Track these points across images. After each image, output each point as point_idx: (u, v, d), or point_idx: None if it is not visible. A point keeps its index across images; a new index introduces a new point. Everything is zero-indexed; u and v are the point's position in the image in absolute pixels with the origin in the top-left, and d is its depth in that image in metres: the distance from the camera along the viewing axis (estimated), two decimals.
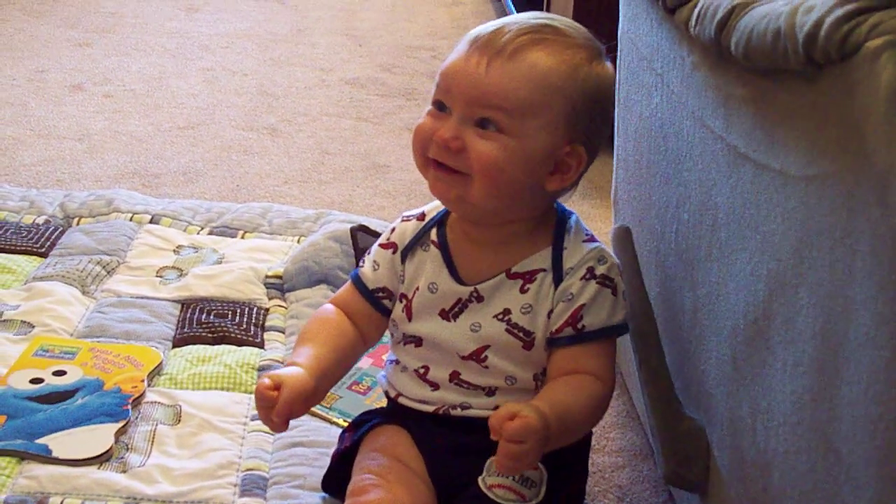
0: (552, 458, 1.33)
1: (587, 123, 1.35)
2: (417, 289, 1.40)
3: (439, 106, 1.34)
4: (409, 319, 1.41)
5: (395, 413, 1.45)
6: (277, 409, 1.32)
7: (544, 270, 1.36)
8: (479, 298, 1.37)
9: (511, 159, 1.31)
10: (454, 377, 1.39)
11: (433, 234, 1.42)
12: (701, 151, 1.27)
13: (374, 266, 1.45)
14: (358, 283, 1.46)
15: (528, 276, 1.36)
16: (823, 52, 0.90)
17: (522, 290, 1.36)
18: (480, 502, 1.33)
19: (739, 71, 1.12)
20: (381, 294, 1.44)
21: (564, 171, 1.35)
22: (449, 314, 1.38)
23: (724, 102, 1.19)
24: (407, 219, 1.46)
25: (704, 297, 1.28)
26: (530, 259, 1.37)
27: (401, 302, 1.42)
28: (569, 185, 1.37)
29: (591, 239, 1.39)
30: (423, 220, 1.44)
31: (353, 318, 1.46)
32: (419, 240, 1.43)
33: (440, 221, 1.43)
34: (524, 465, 1.25)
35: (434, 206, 1.44)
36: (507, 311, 1.36)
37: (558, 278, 1.35)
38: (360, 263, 1.48)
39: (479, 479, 1.34)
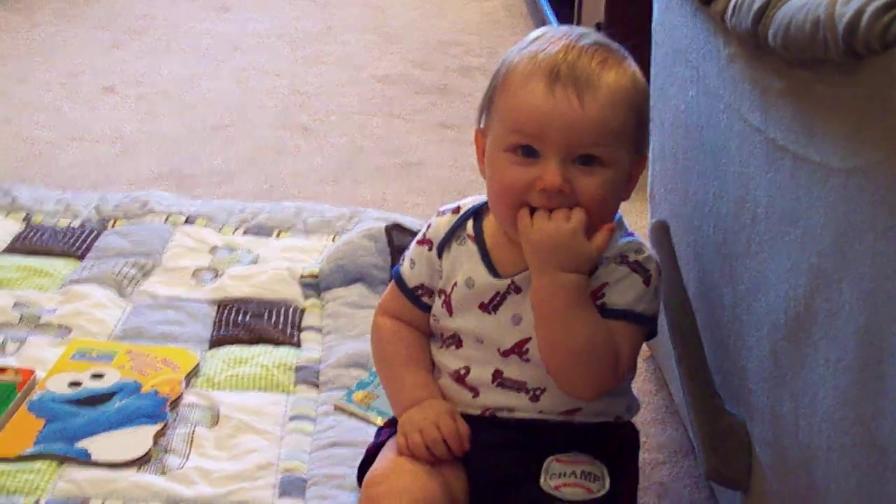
0: (607, 457, 1.34)
1: (645, 130, 1.36)
2: (455, 284, 1.40)
3: (527, 151, 1.30)
4: (450, 314, 1.40)
5: None
6: (465, 437, 1.37)
7: None
8: (517, 290, 1.36)
9: (613, 189, 1.31)
10: (497, 377, 1.38)
11: (469, 227, 1.41)
12: (739, 145, 1.26)
13: (412, 264, 1.44)
14: (399, 281, 1.46)
15: None
16: (864, 42, 0.89)
17: None
18: (544, 503, 1.32)
19: (777, 63, 1.11)
20: (420, 291, 1.44)
21: (631, 181, 1.36)
22: (489, 307, 1.37)
23: (761, 95, 1.17)
24: (442, 213, 1.45)
25: (744, 292, 1.27)
26: None
27: (440, 297, 1.42)
28: (630, 194, 1.38)
29: (631, 234, 1.39)
30: (458, 213, 1.43)
31: (408, 322, 1.46)
32: (454, 233, 1.42)
33: (476, 214, 1.42)
34: (560, 237, 1.28)
35: (470, 200, 1.44)
36: None
37: (593, 267, 1.35)
38: (401, 261, 1.47)
39: (542, 482, 1.33)
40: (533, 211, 1.30)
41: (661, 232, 1.53)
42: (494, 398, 1.38)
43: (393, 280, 1.48)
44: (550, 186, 1.27)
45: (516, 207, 1.31)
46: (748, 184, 1.23)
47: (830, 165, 1.00)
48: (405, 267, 1.45)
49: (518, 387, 1.37)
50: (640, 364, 1.82)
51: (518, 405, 1.37)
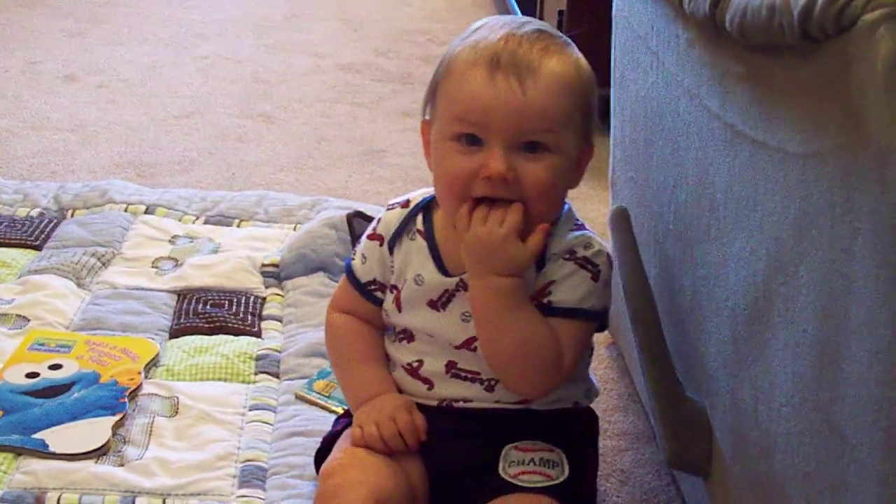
0: (566, 443, 1.35)
1: (591, 117, 1.35)
2: (405, 280, 1.39)
3: (470, 140, 1.29)
4: (399, 311, 1.40)
5: None
6: (422, 429, 1.37)
7: None
8: (466, 287, 1.35)
9: (560, 176, 1.30)
10: (450, 367, 1.37)
11: (419, 221, 1.40)
12: (698, 130, 1.26)
13: (363, 259, 1.43)
14: (351, 275, 1.45)
15: None
16: (819, 26, 0.88)
17: None
18: (505, 492, 1.32)
19: (735, 48, 1.11)
20: (372, 287, 1.43)
21: (579, 169, 1.35)
22: (437, 304, 1.36)
23: (720, 80, 1.17)
24: (391, 207, 1.43)
25: (704, 277, 1.27)
26: None
27: (391, 292, 1.41)
28: (579, 182, 1.37)
29: (581, 227, 1.37)
30: (407, 207, 1.42)
31: (361, 317, 1.45)
32: (405, 228, 1.40)
33: (426, 208, 1.40)
34: (493, 242, 1.27)
35: (420, 193, 1.42)
36: None
37: (540, 264, 1.34)
38: (352, 254, 1.46)
39: (500, 471, 1.33)
40: (478, 203, 1.29)
41: (622, 218, 1.52)
42: (449, 389, 1.38)
43: (344, 274, 1.47)
44: (494, 173, 1.26)
45: (461, 199, 1.30)
46: (707, 169, 1.23)
47: (788, 150, 1.00)
48: (357, 262, 1.44)
49: (472, 377, 1.36)
50: (602, 351, 1.82)
51: (473, 395, 1.37)
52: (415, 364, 1.39)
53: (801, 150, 0.97)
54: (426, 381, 1.39)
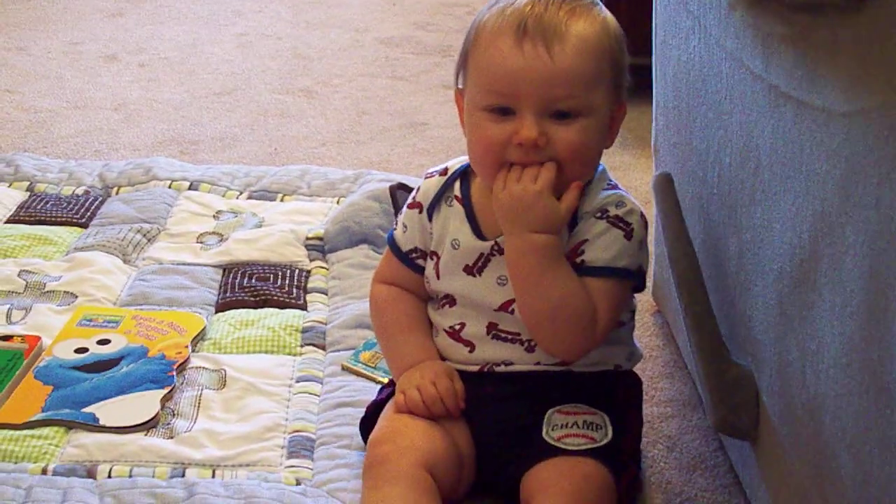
0: (608, 406, 1.36)
1: (622, 76, 1.35)
2: (444, 246, 1.40)
3: (502, 111, 1.30)
4: (438, 277, 1.41)
5: None
6: (461, 396, 1.38)
7: None
8: (501, 251, 1.35)
9: (592, 137, 1.31)
10: (491, 329, 1.38)
11: (456, 188, 1.41)
12: (741, 93, 1.25)
13: (404, 228, 1.45)
14: (393, 245, 1.46)
15: None
16: None
17: None
18: (549, 456, 1.32)
19: (778, 8, 1.10)
20: (414, 255, 1.44)
21: (613, 128, 1.36)
22: (473, 269, 1.38)
23: (763, 42, 1.16)
24: (430, 175, 1.45)
25: (749, 241, 1.26)
26: None
27: (432, 259, 1.42)
28: (614, 141, 1.38)
29: (614, 187, 1.38)
30: (445, 174, 1.43)
31: (405, 287, 1.46)
32: (443, 195, 1.42)
33: (463, 175, 1.41)
34: (527, 198, 1.29)
35: (458, 161, 1.43)
36: None
37: (573, 223, 1.34)
38: (394, 225, 1.47)
39: (544, 434, 1.34)
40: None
41: (665, 184, 1.52)
42: (491, 351, 1.39)
43: (387, 245, 1.48)
44: (526, 140, 1.28)
45: (497, 166, 1.31)
46: (751, 132, 1.22)
47: (833, 110, 0.99)
48: (398, 231, 1.46)
49: (513, 338, 1.37)
50: (647, 318, 1.81)
51: (514, 357, 1.38)
52: (457, 327, 1.40)
53: (846, 109, 0.96)
54: (468, 343, 1.40)
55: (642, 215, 1.37)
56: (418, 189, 1.45)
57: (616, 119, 1.36)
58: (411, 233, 1.44)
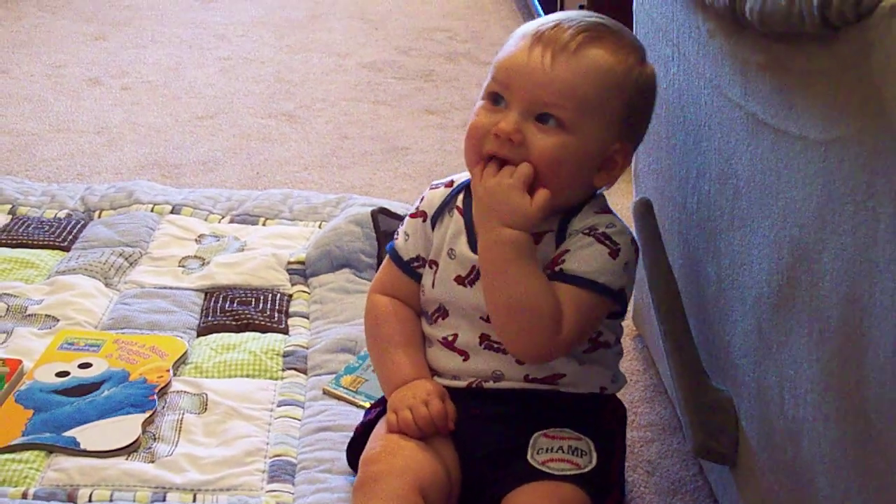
0: (595, 431, 1.37)
1: (636, 122, 1.38)
2: (442, 255, 1.42)
3: (495, 99, 1.34)
4: (432, 286, 1.42)
5: None
6: (452, 417, 1.39)
7: (551, 231, 1.37)
8: None
9: (569, 156, 1.32)
10: (483, 340, 1.40)
11: (459, 199, 1.43)
12: (720, 120, 1.26)
13: (406, 237, 1.47)
14: (394, 255, 1.48)
15: (537, 238, 1.36)
16: (839, 13, 0.89)
17: None
18: (533, 479, 1.33)
19: (755, 37, 1.11)
20: (416, 263, 1.46)
21: (611, 168, 1.37)
22: (465, 280, 1.39)
23: (741, 70, 1.17)
24: (435, 187, 1.48)
25: (728, 267, 1.27)
26: (546, 222, 1.37)
27: (431, 268, 1.43)
28: (614, 181, 1.39)
29: (608, 212, 1.39)
30: (451, 186, 1.46)
31: (403, 299, 1.48)
32: (447, 205, 1.44)
33: (468, 188, 1.43)
34: (500, 192, 1.31)
35: (462, 175, 1.45)
36: None
37: (560, 238, 1.36)
38: (395, 236, 1.49)
39: (529, 458, 1.35)
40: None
41: (645, 209, 1.53)
42: (483, 362, 1.40)
43: (388, 256, 1.49)
44: (501, 131, 1.31)
45: (476, 155, 1.34)
46: (730, 159, 1.23)
47: (809, 137, 1.00)
48: (399, 241, 1.48)
49: (504, 348, 1.38)
50: (628, 343, 1.82)
51: (505, 369, 1.39)
52: (450, 337, 1.42)
53: (823, 137, 0.98)
54: (462, 352, 1.41)
55: (633, 241, 1.38)
56: (422, 199, 1.47)
57: (615, 158, 1.36)
58: (413, 241, 1.46)
